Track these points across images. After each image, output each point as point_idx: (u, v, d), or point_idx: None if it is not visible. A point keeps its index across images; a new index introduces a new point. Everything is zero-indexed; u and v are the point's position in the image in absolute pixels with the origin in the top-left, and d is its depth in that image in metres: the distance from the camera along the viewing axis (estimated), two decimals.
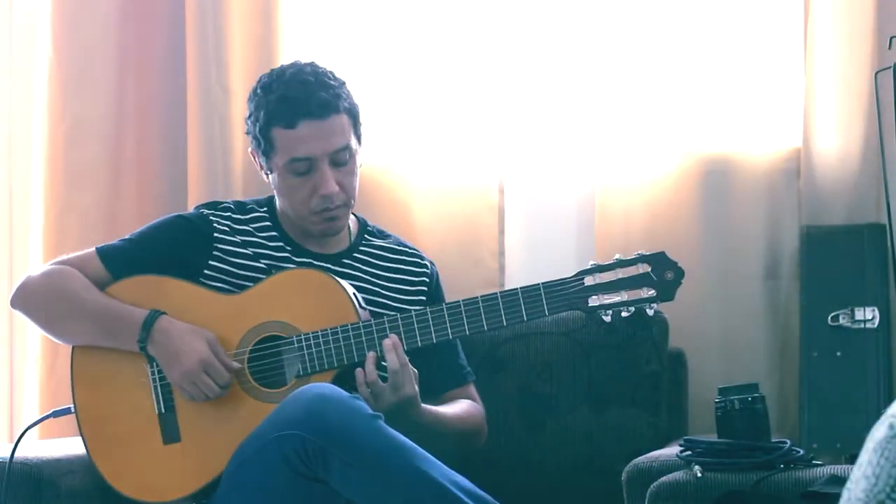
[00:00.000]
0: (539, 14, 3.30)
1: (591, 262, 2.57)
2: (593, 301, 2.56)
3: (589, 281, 2.56)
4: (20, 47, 3.50)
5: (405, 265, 2.80)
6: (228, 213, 2.75)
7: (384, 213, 3.21)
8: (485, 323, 2.57)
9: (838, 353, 2.99)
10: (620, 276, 2.56)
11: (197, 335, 2.58)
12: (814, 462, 2.46)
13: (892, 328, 3.02)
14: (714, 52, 3.20)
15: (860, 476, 1.58)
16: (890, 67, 2.78)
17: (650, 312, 2.57)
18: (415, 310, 2.61)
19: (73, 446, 2.73)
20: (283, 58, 3.33)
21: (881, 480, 1.55)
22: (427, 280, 2.82)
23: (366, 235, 2.81)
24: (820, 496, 2.27)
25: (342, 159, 2.67)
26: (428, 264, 2.84)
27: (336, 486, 2.37)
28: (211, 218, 2.73)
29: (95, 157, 3.36)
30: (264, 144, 2.68)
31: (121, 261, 2.70)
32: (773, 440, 2.48)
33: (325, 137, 2.64)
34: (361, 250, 2.78)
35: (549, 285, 2.56)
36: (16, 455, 2.55)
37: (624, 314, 2.56)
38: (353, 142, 2.69)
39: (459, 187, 3.27)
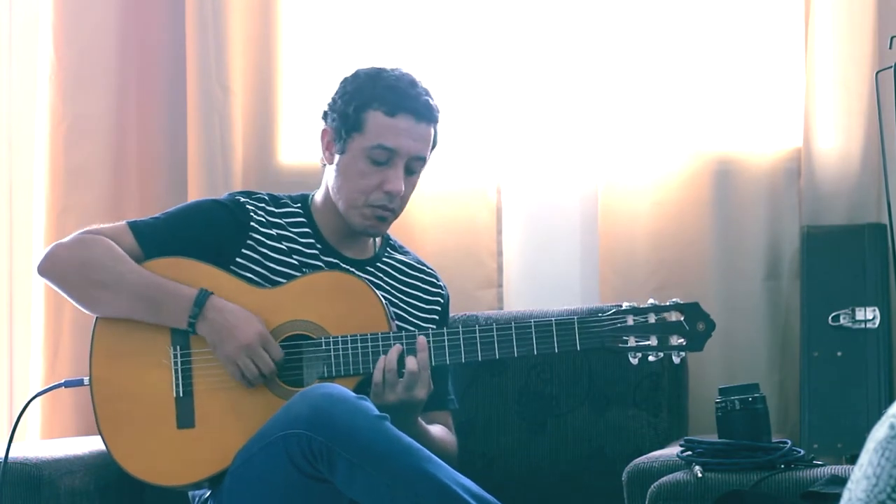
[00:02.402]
0: (539, 13, 3.31)
1: (626, 304, 2.58)
2: (624, 342, 2.57)
3: (623, 322, 2.57)
4: (21, 47, 3.50)
5: (422, 283, 2.80)
6: (263, 204, 2.73)
7: None
8: (515, 349, 2.57)
9: (839, 353, 2.99)
10: (653, 320, 2.56)
11: (249, 314, 2.57)
12: (814, 462, 2.45)
13: (893, 328, 3.03)
14: (714, 51, 3.20)
15: (861, 476, 1.58)
16: (890, 67, 2.77)
17: (676, 360, 2.59)
18: (447, 329, 2.60)
19: (73, 446, 2.73)
20: (283, 58, 3.34)
21: (882, 481, 1.55)
22: (441, 301, 2.81)
23: (388, 248, 2.81)
24: (820, 496, 2.27)
25: (415, 168, 2.69)
26: (442, 287, 2.83)
27: (341, 486, 2.36)
28: (248, 206, 2.71)
29: (96, 157, 3.36)
30: (352, 122, 2.66)
31: (153, 238, 2.66)
32: (774, 440, 2.48)
33: (415, 139, 2.66)
34: (384, 261, 2.78)
35: (583, 320, 2.56)
36: (16, 455, 2.55)
37: (651, 358, 2.57)
38: (428, 158, 2.71)
39: (457, 188, 3.27)
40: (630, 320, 2.57)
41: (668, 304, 2.58)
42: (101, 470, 2.62)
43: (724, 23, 3.20)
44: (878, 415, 1.64)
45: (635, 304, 2.58)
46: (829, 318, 3.02)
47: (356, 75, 2.72)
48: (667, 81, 3.20)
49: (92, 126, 3.36)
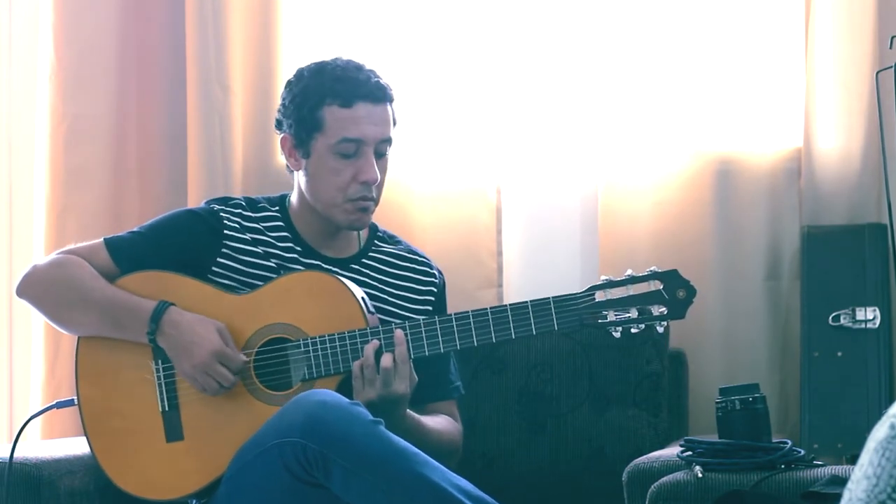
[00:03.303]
0: (539, 13, 3.30)
1: (603, 278, 2.55)
2: (604, 317, 2.55)
3: (600, 296, 2.53)
4: (21, 47, 3.50)
5: (414, 273, 2.79)
6: (239, 210, 2.73)
7: (383, 214, 3.19)
8: (493, 335, 2.55)
9: (839, 354, 2.99)
10: (632, 292, 2.53)
11: (207, 325, 2.56)
12: (814, 462, 2.45)
13: (893, 328, 3.02)
14: (714, 51, 3.20)
15: (861, 476, 1.58)
16: (891, 67, 2.77)
17: (660, 330, 2.56)
18: (423, 318, 2.59)
19: (73, 446, 2.73)
20: (284, 58, 3.33)
21: (882, 481, 1.55)
22: (435, 289, 2.80)
23: (375, 241, 2.80)
24: (821, 496, 2.27)
25: (383, 151, 2.68)
26: (436, 273, 2.82)
27: (337, 492, 2.36)
28: (221, 214, 2.71)
29: (96, 157, 3.36)
30: (310, 123, 2.65)
31: (128, 253, 2.67)
32: (774, 440, 2.48)
33: (376, 123, 2.65)
34: (371, 255, 2.77)
35: (559, 299, 2.54)
36: (16, 455, 2.55)
37: (634, 331, 2.53)
38: (392, 137, 2.71)
39: (457, 188, 3.27)
40: (607, 294, 2.53)
41: (645, 273, 2.55)
42: (101, 470, 2.62)
43: (724, 23, 3.19)
44: (879, 415, 1.64)
45: (612, 277, 2.55)
46: (830, 318, 3.01)
47: (299, 75, 2.71)
48: (667, 82, 3.20)
49: (92, 126, 3.35)
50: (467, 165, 3.27)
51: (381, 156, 2.68)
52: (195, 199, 3.24)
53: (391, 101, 2.69)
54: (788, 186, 3.16)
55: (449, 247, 3.24)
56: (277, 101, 3.30)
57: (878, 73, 2.91)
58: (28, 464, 2.55)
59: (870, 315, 3.00)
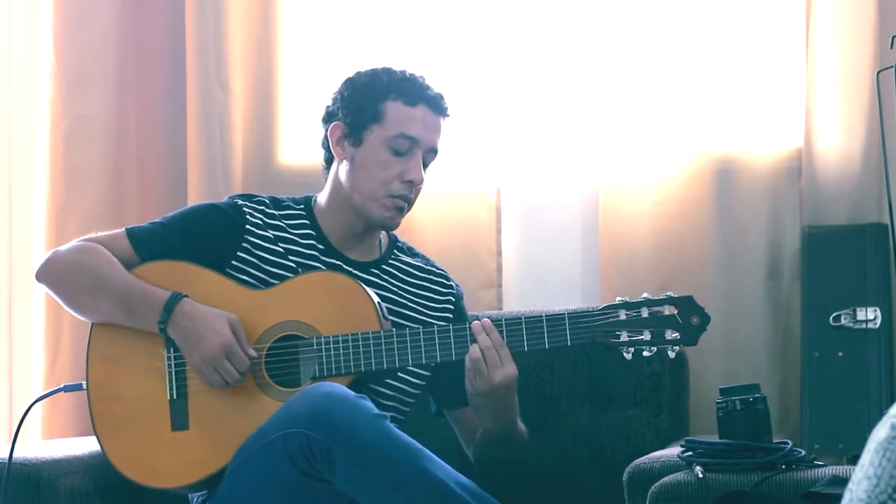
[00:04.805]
0: (539, 13, 3.30)
1: (619, 299, 2.56)
2: (616, 337, 2.55)
3: (615, 316, 2.55)
4: (21, 47, 3.50)
5: (432, 283, 2.80)
6: (262, 207, 2.73)
7: None
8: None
9: (840, 354, 2.99)
10: (646, 315, 2.55)
11: (219, 317, 2.56)
12: (815, 462, 2.45)
13: (894, 328, 3.02)
14: (715, 51, 3.20)
15: (862, 477, 1.57)
16: (891, 67, 2.77)
17: (671, 355, 2.57)
18: (437, 325, 2.60)
19: (73, 446, 2.73)
20: (283, 58, 3.34)
21: (883, 481, 1.54)
22: (453, 299, 2.81)
23: (395, 250, 2.81)
24: (821, 497, 2.26)
25: (428, 161, 2.72)
26: (454, 284, 2.83)
27: (340, 485, 2.36)
28: (244, 209, 2.72)
29: (96, 157, 3.36)
30: (369, 113, 2.68)
31: (150, 243, 2.68)
32: (775, 441, 2.48)
33: (432, 131, 2.69)
34: (390, 263, 2.78)
35: (574, 315, 2.55)
36: (16, 456, 2.55)
37: (646, 353, 2.55)
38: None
39: (457, 188, 3.27)
40: (622, 315, 2.54)
41: (661, 297, 2.56)
42: (101, 470, 2.62)
43: (725, 23, 3.19)
44: (879, 415, 1.64)
45: (627, 299, 2.56)
46: (830, 318, 3.01)
47: (364, 72, 2.74)
48: (667, 82, 3.20)
49: (92, 126, 3.36)
50: (467, 165, 3.28)
51: (425, 164, 2.71)
52: (195, 199, 3.24)
53: (447, 116, 2.72)
54: (789, 186, 3.16)
55: (449, 247, 3.24)
56: (277, 102, 3.34)
57: (878, 72, 2.91)
58: (28, 464, 2.55)
59: (870, 315, 3.00)
